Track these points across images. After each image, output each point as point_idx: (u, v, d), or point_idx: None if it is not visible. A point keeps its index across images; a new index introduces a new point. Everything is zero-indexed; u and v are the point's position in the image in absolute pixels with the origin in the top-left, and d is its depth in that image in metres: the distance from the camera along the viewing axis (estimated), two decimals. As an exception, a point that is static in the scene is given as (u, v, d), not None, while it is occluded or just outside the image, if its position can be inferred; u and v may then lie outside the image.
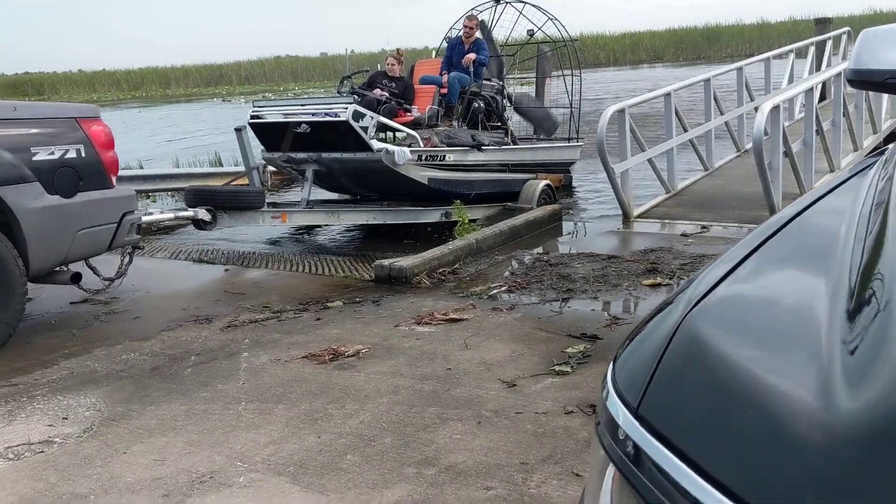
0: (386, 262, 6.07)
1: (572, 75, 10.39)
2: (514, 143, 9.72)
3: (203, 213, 6.99)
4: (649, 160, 8.15)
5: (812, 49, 13.83)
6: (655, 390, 1.06)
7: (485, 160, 8.92)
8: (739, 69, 10.58)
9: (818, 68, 13.76)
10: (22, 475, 3.12)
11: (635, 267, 5.90)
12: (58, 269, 5.12)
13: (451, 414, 3.49)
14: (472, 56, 9.39)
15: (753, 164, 6.93)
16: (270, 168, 9.25)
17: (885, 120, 10.85)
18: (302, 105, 8.39)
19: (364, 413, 3.54)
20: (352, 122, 7.69)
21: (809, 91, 7.73)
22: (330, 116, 7.77)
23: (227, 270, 6.74)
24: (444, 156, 8.46)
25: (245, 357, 4.38)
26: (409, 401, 3.65)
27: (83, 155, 4.94)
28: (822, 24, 14.96)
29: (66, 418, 3.66)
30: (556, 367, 4.01)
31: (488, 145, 9.02)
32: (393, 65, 9.33)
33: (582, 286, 5.52)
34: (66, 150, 4.85)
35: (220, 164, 13.40)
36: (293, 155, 8.16)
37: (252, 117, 8.32)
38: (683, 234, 6.87)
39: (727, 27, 51.44)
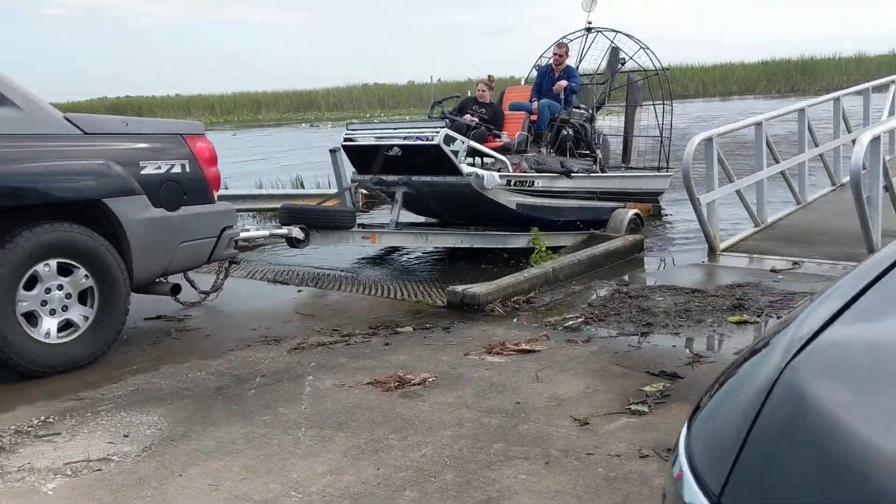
0: (459, 288, 5.92)
1: (663, 105, 10.25)
2: (603, 170, 9.66)
3: (297, 232, 7.11)
4: (738, 192, 7.80)
5: (916, 80, 13.15)
6: (746, 470, 0.78)
7: (573, 187, 8.92)
8: (836, 99, 10.11)
9: (922, 100, 13.07)
10: (77, 493, 3.07)
11: (720, 302, 5.59)
12: (158, 280, 5.30)
13: (518, 452, 3.29)
14: (563, 83, 9.44)
15: (850, 198, 6.53)
16: (361, 190, 9.36)
17: None
18: (394, 129, 8.55)
19: (426, 446, 3.38)
20: (443, 146, 7.79)
21: (914, 122, 7.28)
22: (422, 140, 7.91)
23: (300, 291, 6.71)
24: (533, 181, 8.52)
25: (310, 381, 4.28)
26: (474, 435, 3.48)
27: (188, 170, 5.11)
28: (927, 54, 14.21)
29: (126, 436, 3.62)
30: (633, 406, 3.77)
31: (577, 172, 8.99)
32: (484, 91, 9.45)
33: (662, 320, 5.25)
34: (172, 165, 5.03)
35: (302, 186, 13.57)
36: (384, 177, 8.30)
37: (345, 140, 8.49)
38: (773, 270, 6.51)
39: (823, 60, 49.83)
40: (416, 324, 5.44)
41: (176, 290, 5.46)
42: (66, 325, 4.61)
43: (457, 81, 59.38)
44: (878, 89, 12.29)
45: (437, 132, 7.88)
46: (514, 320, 5.50)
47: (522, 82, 11.42)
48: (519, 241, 8.12)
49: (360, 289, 6.87)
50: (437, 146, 7.80)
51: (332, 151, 8.60)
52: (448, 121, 8.73)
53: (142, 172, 4.86)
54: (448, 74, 62.92)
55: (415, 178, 8.08)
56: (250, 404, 3.96)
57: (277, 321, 5.63)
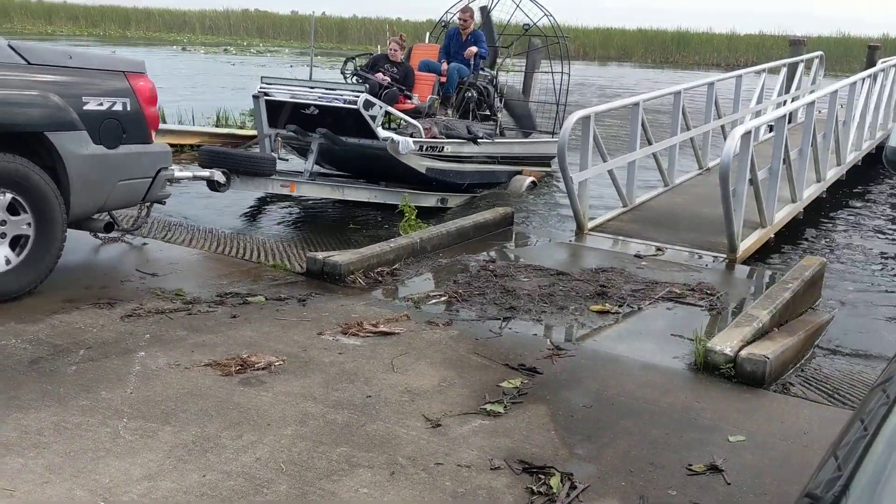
0: (320, 255, 5.59)
1: (561, 73, 10.69)
2: (502, 134, 10.04)
3: (219, 175, 6.86)
4: (609, 171, 7.78)
5: (784, 70, 13.62)
6: None
7: (478, 152, 9.35)
8: (710, 84, 10.26)
9: (788, 89, 13.57)
10: None
11: (584, 287, 5.52)
12: (94, 216, 5.34)
13: (362, 458, 3.05)
14: (474, 49, 9.87)
15: (714, 183, 6.62)
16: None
17: (849, 152, 10.68)
18: (311, 87, 8.58)
19: (262, 447, 3.08)
20: (362, 110, 8.01)
21: (782, 119, 7.42)
22: (339, 102, 8.12)
23: (145, 244, 6.16)
24: (443, 147, 8.93)
25: (140, 357, 3.87)
26: (317, 435, 3.21)
27: (128, 109, 5.07)
28: (797, 45, 14.78)
29: (-89, 419, 3.13)
30: (488, 406, 3.60)
31: (483, 138, 9.35)
32: (396, 50, 9.76)
33: (526, 304, 5.12)
34: (114, 103, 4.99)
35: (163, 121, 12.74)
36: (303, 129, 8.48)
37: (260, 92, 8.57)
38: (637, 255, 6.52)
39: (697, 34, 51.47)
40: (269, 293, 5.08)
41: (109, 227, 5.45)
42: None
43: (340, 17, 57.83)
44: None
45: (358, 96, 8.03)
46: (376, 294, 5.24)
47: (426, 39, 11.71)
48: (429, 200, 8.50)
49: (214, 245, 6.41)
50: (357, 110, 7.99)
51: (256, 97, 8.60)
52: (359, 78, 9.29)
53: (84, 108, 4.80)
54: (332, 9, 61.01)
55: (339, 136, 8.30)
56: (68, 384, 3.53)
57: (114, 279, 5.13)
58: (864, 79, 11.06)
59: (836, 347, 5.20)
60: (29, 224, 4.64)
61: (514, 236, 7.28)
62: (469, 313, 4.94)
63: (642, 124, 8.04)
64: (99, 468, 2.85)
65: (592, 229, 7.26)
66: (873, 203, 10.65)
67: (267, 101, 8.47)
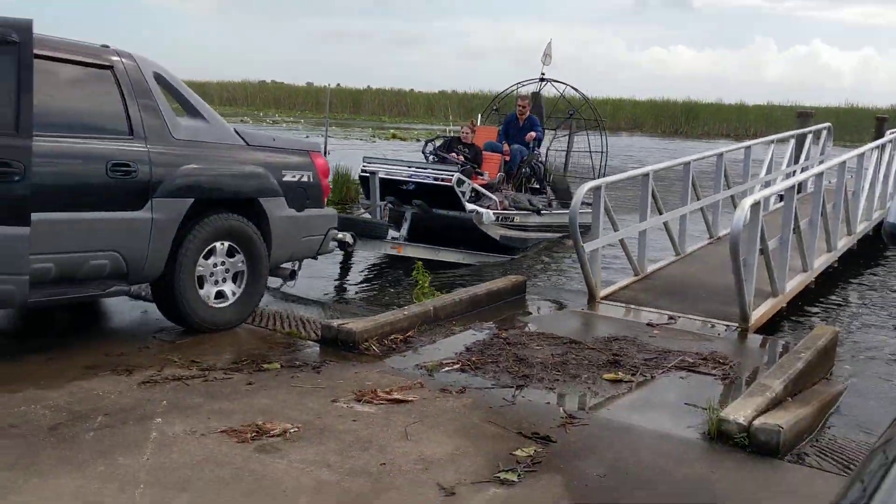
0: (334, 322, 5.66)
1: (601, 152, 12.95)
2: (550, 206, 11.76)
3: (349, 237, 8.29)
4: (621, 240, 7.87)
5: (793, 141, 13.82)
6: None
7: (539, 222, 11.27)
8: (720, 155, 10.41)
9: (797, 160, 13.72)
10: None
11: (596, 356, 5.55)
12: (282, 265, 6.37)
13: (377, 527, 3.07)
14: (533, 134, 11.88)
15: (725, 252, 6.68)
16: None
17: (860, 222, 10.74)
18: (408, 166, 10.56)
19: (278, 514, 3.11)
20: (455, 188, 9.92)
21: (791, 189, 7.52)
22: (437, 180, 10.06)
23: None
24: (514, 217, 10.81)
25: (157, 424, 3.92)
26: (332, 503, 3.23)
27: (311, 180, 6.23)
28: (804, 117, 15.01)
29: (-68, 485, 3.18)
30: (502, 475, 3.61)
31: (544, 209, 11.31)
32: (468, 133, 11.65)
33: (539, 373, 5.15)
34: (302, 175, 6.16)
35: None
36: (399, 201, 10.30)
37: (363, 171, 10.44)
38: (649, 324, 6.55)
39: (706, 104, 52.19)
40: (284, 360, 5.14)
41: (293, 275, 6.56)
42: (219, 294, 5.69)
43: (355, 89, 59.06)
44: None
45: (452, 175, 9.96)
46: (390, 361, 5.29)
47: (478, 122, 13.88)
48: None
49: (230, 312, 6.47)
50: (451, 187, 9.89)
51: (372, 174, 10.19)
52: (436, 157, 11.30)
53: (283, 179, 6.00)
54: (347, 81, 62.33)
55: (433, 209, 10.05)
56: (86, 450, 3.57)
57: (132, 346, 5.20)
58: (872, 149, 11.21)
59: (850, 417, 5.18)
60: (243, 262, 5.77)
61: (526, 304, 7.34)
62: (482, 381, 4.97)
63: (652, 194, 8.16)
64: (116, 535, 2.88)
65: (604, 298, 7.31)
66: (885, 271, 10.66)
67: (379, 178, 10.12)
